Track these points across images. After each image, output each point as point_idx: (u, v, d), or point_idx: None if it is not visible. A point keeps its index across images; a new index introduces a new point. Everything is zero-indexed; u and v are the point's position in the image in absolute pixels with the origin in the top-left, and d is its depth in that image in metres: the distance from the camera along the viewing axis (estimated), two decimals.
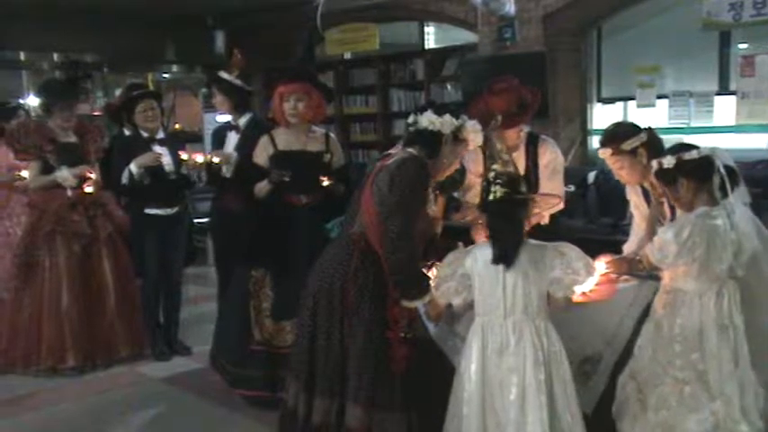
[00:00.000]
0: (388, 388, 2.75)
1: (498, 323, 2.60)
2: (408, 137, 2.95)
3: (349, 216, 2.96)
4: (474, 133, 2.98)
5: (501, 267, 2.58)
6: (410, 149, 2.88)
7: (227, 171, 4.33)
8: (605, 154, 3.08)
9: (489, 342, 2.59)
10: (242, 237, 4.10)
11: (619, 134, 3.05)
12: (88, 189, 4.66)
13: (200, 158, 4.40)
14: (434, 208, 3.11)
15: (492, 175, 2.69)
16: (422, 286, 2.78)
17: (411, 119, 2.97)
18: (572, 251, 2.63)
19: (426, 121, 2.90)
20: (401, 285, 2.74)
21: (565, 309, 2.69)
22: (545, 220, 3.42)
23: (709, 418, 2.56)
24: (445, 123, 2.90)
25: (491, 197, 2.65)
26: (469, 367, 2.61)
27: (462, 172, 3.61)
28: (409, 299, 2.77)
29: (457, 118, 2.93)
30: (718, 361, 2.58)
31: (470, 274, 2.67)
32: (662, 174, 2.71)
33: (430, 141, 2.89)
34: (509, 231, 2.62)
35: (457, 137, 2.94)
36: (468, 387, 2.60)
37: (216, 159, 4.34)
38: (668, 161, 2.66)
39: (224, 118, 4.83)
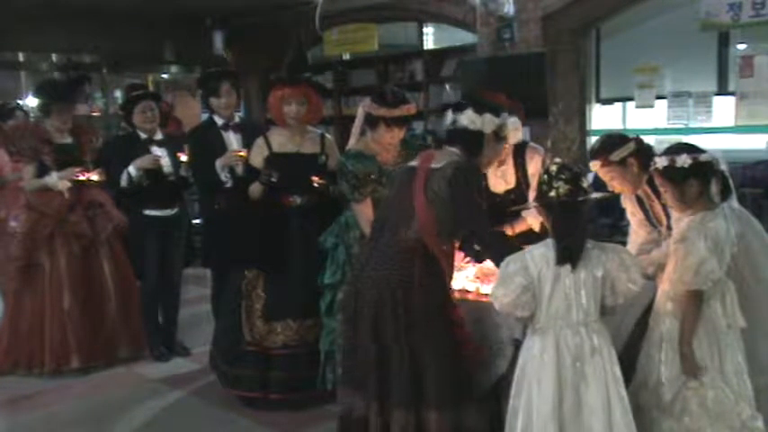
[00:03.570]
0: (467, 386, 2.76)
1: (572, 329, 2.47)
2: (448, 135, 2.88)
3: (383, 221, 2.89)
4: (514, 131, 2.94)
5: (568, 270, 2.45)
6: (452, 149, 2.82)
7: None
8: (595, 166, 3.07)
9: (564, 350, 2.46)
10: (238, 237, 4.07)
11: (607, 145, 3.04)
12: (94, 177, 4.60)
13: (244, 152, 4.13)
14: None
15: (554, 168, 2.51)
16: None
17: (450, 117, 2.89)
18: (630, 257, 2.53)
19: (467, 120, 2.82)
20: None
21: (609, 314, 2.60)
22: (536, 227, 3.38)
23: (736, 419, 2.56)
24: (486, 122, 2.82)
25: (553, 194, 2.48)
26: (541, 377, 2.46)
27: None
28: None
29: (497, 116, 2.86)
30: (732, 360, 2.59)
31: (534, 281, 2.48)
32: (672, 172, 2.63)
33: (471, 141, 2.82)
34: (573, 230, 2.48)
35: (498, 135, 2.88)
36: (540, 399, 2.45)
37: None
38: (683, 160, 2.61)
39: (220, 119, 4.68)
